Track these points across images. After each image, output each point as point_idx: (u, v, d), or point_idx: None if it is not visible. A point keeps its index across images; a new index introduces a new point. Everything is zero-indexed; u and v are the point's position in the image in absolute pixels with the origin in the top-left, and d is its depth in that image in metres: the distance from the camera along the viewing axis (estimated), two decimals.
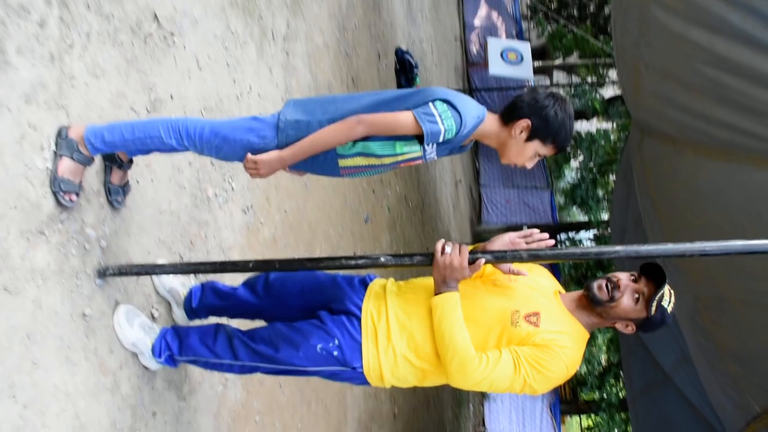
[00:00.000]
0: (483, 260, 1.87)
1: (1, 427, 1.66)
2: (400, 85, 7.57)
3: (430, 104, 1.87)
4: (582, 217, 14.91)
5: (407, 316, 2.06)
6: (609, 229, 9.37)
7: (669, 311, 1.99)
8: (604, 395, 10.62)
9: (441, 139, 1.87)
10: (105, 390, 2.07)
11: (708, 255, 1.76)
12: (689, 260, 3.90)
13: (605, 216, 12.52)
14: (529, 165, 2.05)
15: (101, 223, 2.14)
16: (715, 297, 3.52)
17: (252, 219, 3.33)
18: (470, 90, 14.53)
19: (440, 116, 1.83)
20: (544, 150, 1.99)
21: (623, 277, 2.03)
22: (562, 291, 2.17)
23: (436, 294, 1.97)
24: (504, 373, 1.91)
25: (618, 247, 1.79)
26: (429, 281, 2.10)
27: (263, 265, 2.04)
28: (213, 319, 2.53)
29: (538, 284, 2.14)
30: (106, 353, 2.09)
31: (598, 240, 12.76)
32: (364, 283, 2.23)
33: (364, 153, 1.94)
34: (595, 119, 14.31)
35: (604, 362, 10.58)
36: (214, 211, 2.94)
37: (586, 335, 2.07)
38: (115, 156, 2.11)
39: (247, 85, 3.34)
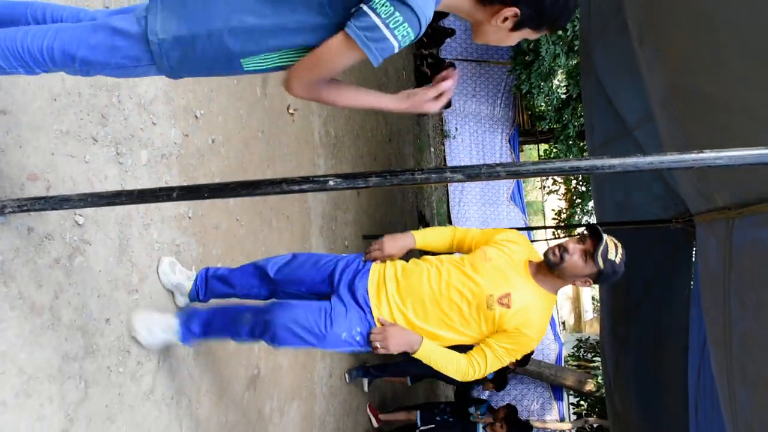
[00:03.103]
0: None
1: None
2: None
3: (366, 8, 1.28)
4: None
5: (403, 301, 2.39)
6: None
7: (618, 261, 2.29)
8: (563, 125, 10.83)
9: (397, 51, 1.41)
10: (44, 329, 1.89)
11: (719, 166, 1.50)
12: (668, 42, 3.55)
13: None
14: (512, 43, 1.63)
15: None
16: (693, 88, 3.27)
17: None
18: None
19: (386, 25, 1.28)
20: (535, 35, 1.54)
21: (571, 243, 2.34)
22: (534, 258, 2.44)
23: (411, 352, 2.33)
24: (493, 366, 2.35)
25: (615, 161, 1.50)
26: (426, 263, 2.47)
27: (188, 194, 1.71)
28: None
29: (512, 259, 2.40)
30: (33, 291, 1.87)
31: None
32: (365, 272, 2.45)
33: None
34: None
35: (563, 95, 10.54)
36: None
37: (554, 298, 2.40)
38: None
39: None
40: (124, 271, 2.33)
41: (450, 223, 11.17)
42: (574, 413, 11.79)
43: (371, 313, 2.35)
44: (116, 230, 2.30)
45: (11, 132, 1.85)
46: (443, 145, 11.60)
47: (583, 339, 12.96)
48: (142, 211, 2.47)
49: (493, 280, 2.32)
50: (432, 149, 10.88)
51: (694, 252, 4.63)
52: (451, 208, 11.51)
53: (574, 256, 2.29)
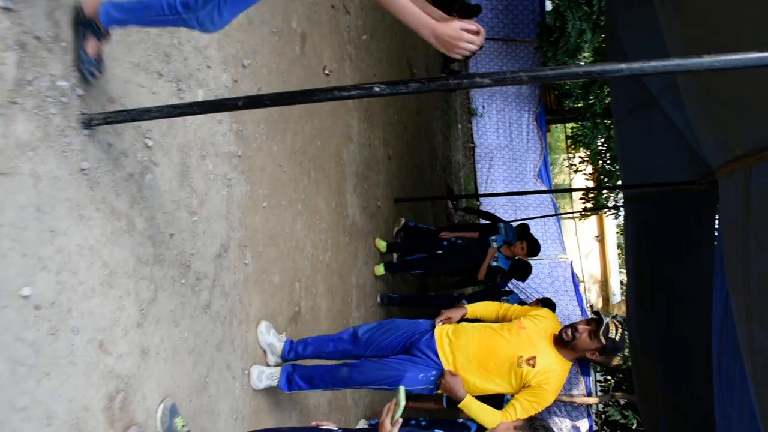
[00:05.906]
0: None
1: (45, 296, 1.79)
2: None
3: None
4: None
5: (454, 356, 3.11)
6: None
7: (618, 339, 2.95)
8: (589, 103, 10.89)
9: None
10: (122, 232, 2.17)
11: (716, 69, 1.69)
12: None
13: None
14: None
15: (70, 70, 1.99)
16: (711, 41, 3.41)
17: None
18: None
19: None
20: None
21: (580, 325, 3.01)
22: (557, 331, 3.08)
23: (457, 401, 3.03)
24: (522, 415, 2.87)
25: (622, 65, 1.71)
26: (473, 328, 3.19)
27: (252, 102, 1.96)
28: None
29: (541, 330, 3.08)
30: (113, 198, 2.14)
31: None
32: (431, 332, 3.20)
33: None
34: None
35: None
36: None
37: (569, 364, 3.06)
38: (92, 22, 1.95)
39: None
40: (185, 194, 2.60)
41: (477, 199, 11.33)
42: (600, 390, 11.89)
43: (440, 362, 3.10)
44: (179, 156, 2.57)
45: None
46: (470, 123, 11.75)
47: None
48: (200, 144, 2.73)
49: (523, 345, 3.02)
50: (459, 126, 11.04)
51: (717, 217, 4.74)
52: (478, 185, 11.66)
53: (583, 335, 2.97)
